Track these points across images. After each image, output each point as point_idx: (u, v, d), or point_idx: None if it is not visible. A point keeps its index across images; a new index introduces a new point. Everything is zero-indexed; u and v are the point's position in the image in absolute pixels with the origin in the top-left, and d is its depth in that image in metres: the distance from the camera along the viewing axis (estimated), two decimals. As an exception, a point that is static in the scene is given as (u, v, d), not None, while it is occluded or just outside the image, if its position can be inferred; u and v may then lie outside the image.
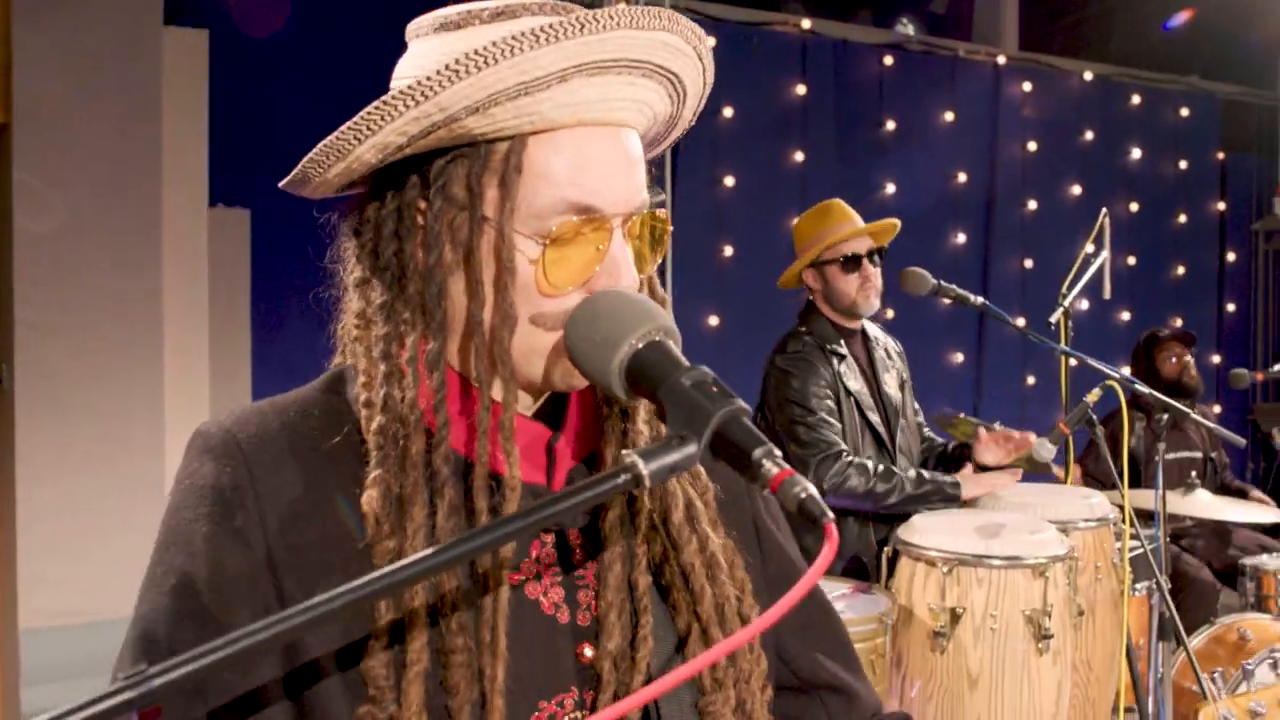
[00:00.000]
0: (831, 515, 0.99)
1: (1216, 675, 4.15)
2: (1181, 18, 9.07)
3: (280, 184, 1.30)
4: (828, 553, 0.96)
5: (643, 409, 1.32)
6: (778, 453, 1.02)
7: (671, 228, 1.32)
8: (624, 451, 1.04)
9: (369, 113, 1.16)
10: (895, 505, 3.88)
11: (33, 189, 4.89)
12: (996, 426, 4.49)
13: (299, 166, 1.25)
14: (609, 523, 1.28)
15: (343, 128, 1.18)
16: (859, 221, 4.27)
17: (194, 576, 1.16)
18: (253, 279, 5.75)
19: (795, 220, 4.38)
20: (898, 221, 4.34)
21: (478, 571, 1.18)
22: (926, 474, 3.99)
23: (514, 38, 1.11)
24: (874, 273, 4.23)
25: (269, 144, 5.63)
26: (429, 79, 1.13)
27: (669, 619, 1.32)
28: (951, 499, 3.92)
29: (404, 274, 1.23)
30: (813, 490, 0.99)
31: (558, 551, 1.29)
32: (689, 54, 1.26)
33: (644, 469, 1.00)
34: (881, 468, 3.94)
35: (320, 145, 1.21)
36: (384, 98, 1.15)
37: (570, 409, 1.32)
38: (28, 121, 4.89)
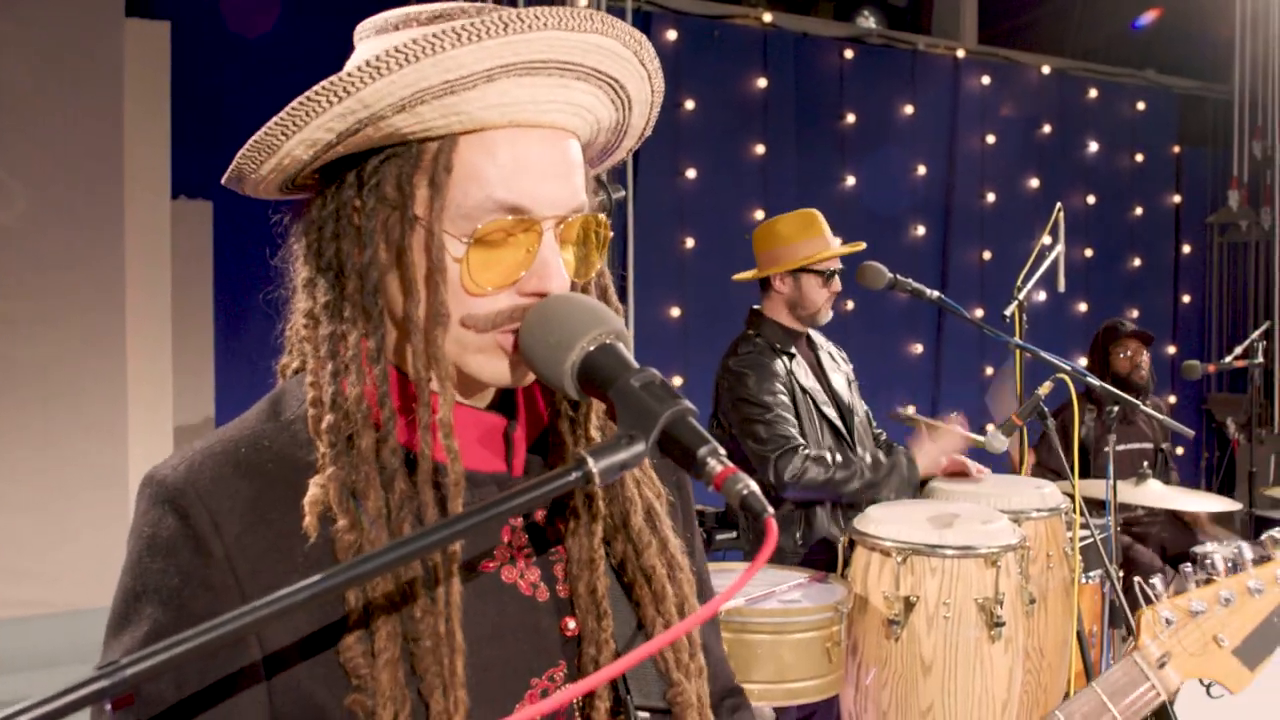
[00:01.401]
0: (771, 510, 1.04)
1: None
2: (1150, 16, 9.18)
3: (222, 180, 1.32)
4: (769, 543, 1.01)
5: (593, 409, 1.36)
6: (722, 451, 1.06)
7: (611, 234, 1.34)
8: (576, 450, 1.08)
9: (294, 108, 1.17)
10: (857, 491, 3.95)
11: (-6, 180, 4.89)
12: (953, 418, 4.55)
13: (234, 162, 1.27)
14: (571, 530, 1.32)
15: (270, 123, 1.20)
16: (833, 238, 4.35)
17: (168, 627, 1.16)
18: (215, 270, 5.75)
19: (772, 221, 4.40)
20: (863, 245, 4.41)
21: (437, 562, 1.21)
22: (883, 456, 4.06)
23: (435, 36, 1.13)
24: (838, 288, 4.32)
25: (231, 136, 5.63)
26: (350, 74, 1.14)
27: (634, 616, 1.36)
28: (911, 475, 3.99)
29: (343, 273, 1.25)
30: (754, 487, 1.04)
31: (528, 534, 1.33)
32: (628, 59, 1.27)
33: (594, 466, 1.05)
34: (840, 457, 4.00)
35: (251, 140, 1.23)
36: (307, 93, 1.16)
37: (519, 397, 1.36)
38: (-11, 113, 4.89)
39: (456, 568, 1.22)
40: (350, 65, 1.19)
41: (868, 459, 4.03)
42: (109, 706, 0.91)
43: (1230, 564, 1.82)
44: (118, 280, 5.12)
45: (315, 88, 1.16)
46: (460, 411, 1.30)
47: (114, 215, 5.11)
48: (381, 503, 1.20)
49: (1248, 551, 1.80)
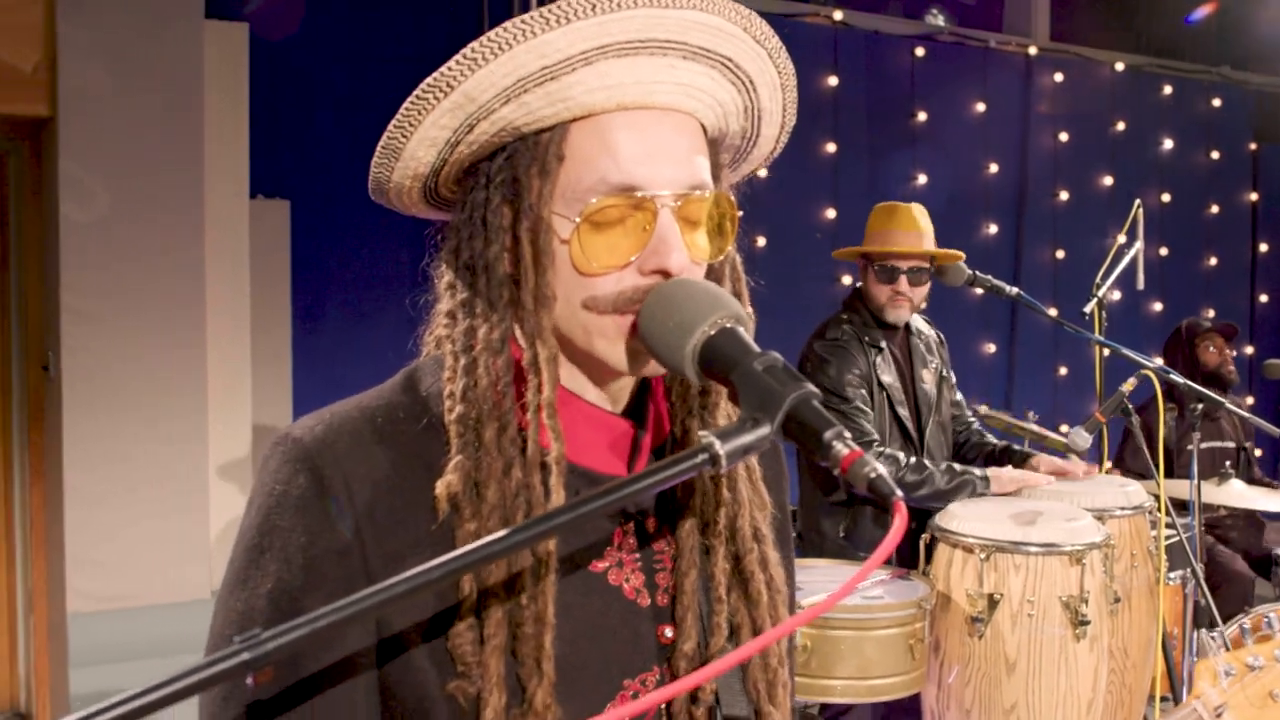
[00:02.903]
0: (900, 493, 1.03)
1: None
2: (1203, 11, 9.04)
3: (370, 193, 1.34)
4: (898, 527, 1.00)
5: (721, 400, 1.36)
6: (848, 434, 1.05)
7: (740, 212, 1.34)
8: (700, 432, 1.07)
9: (406, 107, 1.20)
10: (925, 498, 3.90)
11: (78, 180, 4.96)
12: (1031, 417, 4.51)
13: (370, 172, 1.29)
14: (681, 527, 1.33)
15: (390, 126, 1.22)
16: (918, 236, 4.27)
17: (292, 585, 1.18)
18: (293, 268, 5.81)
19: (888, 205, 4.44)
20: (962, 256, 4.30)
21: (549, 550, 1.21)
22: (958, 467, 3.99)
23: (524, 21, 1.14)
24: (908, 290, 4.24)
25: (308, 136, 5.71)
26: (450, 68, 1.16)
27: (728, 624, 1.35)
28: (980, 495, 3.93)
29: (475, 271, 1.26)
30: (882, 470, 1.03)
31: (637, 538, 1.33)
32: (738, 36, 1.25)
33: (720, 449, 1.04)
34: (913, 460, 3.95)
35: (378, 146, 1.25)
36: (416, 91, 1.19)
37: (651, 405, 1.36)
38: (73, 114, 4.96)
39: (556, 557, 1.22)
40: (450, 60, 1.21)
41: (942, 466, 3.98)
42: (250, 681, 0.92)
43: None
44: (198, 278, 5.18)
45: (422, 85, 1.19)
46: (594, 414, 1.31)
47: (194, 213, 5.17)
48: (500, 492, 1.21)
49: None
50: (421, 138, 1.22)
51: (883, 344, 4.22)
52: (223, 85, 5.42)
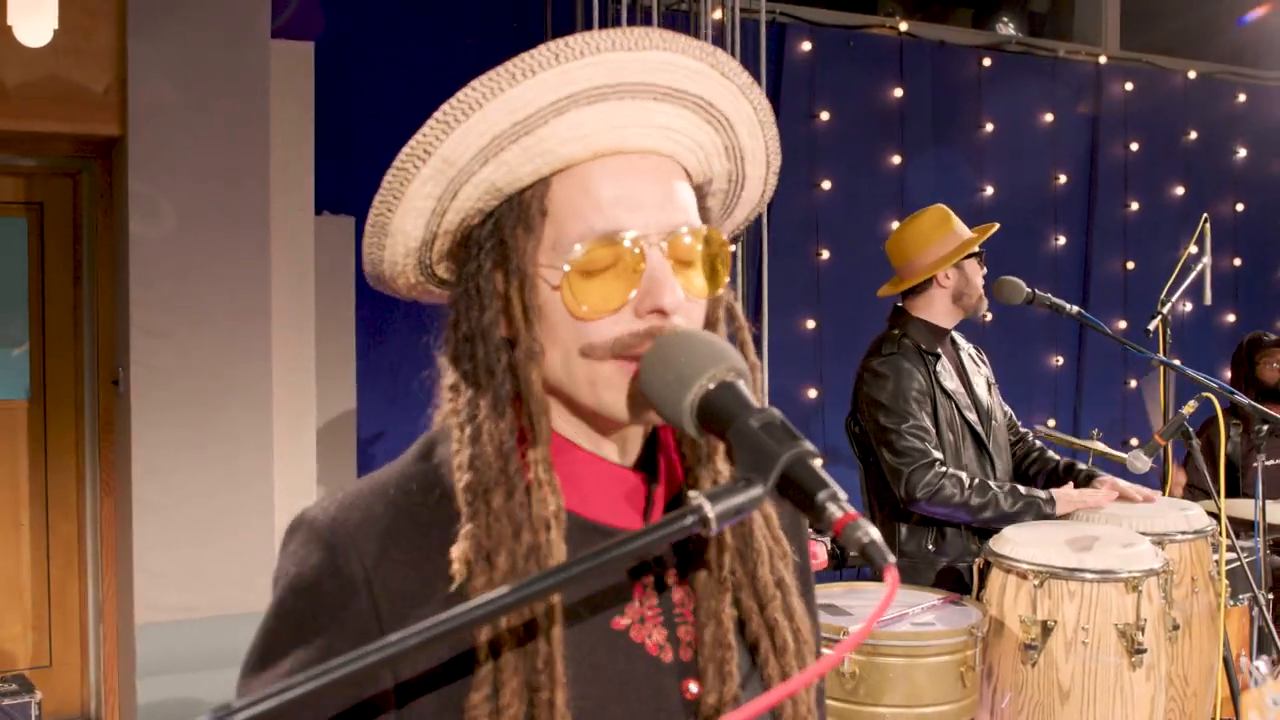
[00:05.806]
0: (894, 559, 1.01)
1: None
2: (1257, 13, 8.85)
3: (368, 279, 1.35)
4: (888, 596, 0.99)
5: (722, 449, 1.34)
6: (842, 496, 1.03)
7: (732, 247, 1.32)
8: (691, 493, 1.05)
9: (388, 180, 1.20)
10: (989, 520, 3.85)
11: (147, 197, 5.05)
12: (1095, 434, 4.46)
13: (364, 254, 1.30)
14: (700, 577, 1.31)
15: (374, 201, 1.22)
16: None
17: (307, 665, 1.17)
18: (357, 284, 5.87)
19: (904, 228, 4.33)
20: (997, 225, 4.36)
21: (554, 611, 1.20)
22: (1022, 489, 3.93)
23: (490, 78, 1.14)
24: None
25: (373, 155, 5.76)
26: (424, 134, 1.16)
27: (755, 675, 1.34)
28: (1046, 516, 3.89)
29: (474, 340, 1.25)
30: (875, 535, 1.00)
31: (657, 594, 1.31)
32: (705, 73, 1.24)
33: (710, 511, 1.02)
34: (977, 481, 3.90)
35: (366, 227, 1.25)
36: (394, 163, 1.19)
37: (662, 456, 1.35)
38: (142, 132, 5.05)
39: (566, 616, 1.21)
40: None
41: (1006, 488, 3.93)
42: None
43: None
44: (263, 293, 5.25)
45: (399, 156, 1.19)
46: (603, 467, 1.31)
47: (260, 230, 5.25)
48: (510, 558, 1.20)
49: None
50: (407, 209, 1.22)
51: (939, 352, 4.17)
52: (288, 104, 5.49)
